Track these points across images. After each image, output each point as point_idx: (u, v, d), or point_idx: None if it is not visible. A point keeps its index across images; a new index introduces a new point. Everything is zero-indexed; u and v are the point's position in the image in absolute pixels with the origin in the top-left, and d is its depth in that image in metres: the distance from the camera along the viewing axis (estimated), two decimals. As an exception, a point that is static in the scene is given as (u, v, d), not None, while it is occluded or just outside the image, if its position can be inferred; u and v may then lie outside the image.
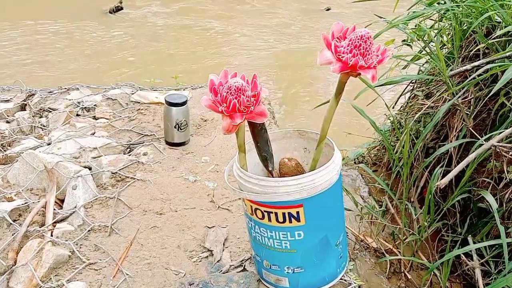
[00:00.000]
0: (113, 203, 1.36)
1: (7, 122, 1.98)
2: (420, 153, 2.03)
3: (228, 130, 0.86)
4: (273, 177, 1.04)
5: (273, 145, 1.16)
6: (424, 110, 1.97)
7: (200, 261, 1.18)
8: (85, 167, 1.55)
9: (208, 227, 1.29)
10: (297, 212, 0.95)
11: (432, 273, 1.52)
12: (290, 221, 0.96)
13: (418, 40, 1.93)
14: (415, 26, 1.96)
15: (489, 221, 1.61)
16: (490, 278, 1.49)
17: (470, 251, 1.51)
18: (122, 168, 1.51)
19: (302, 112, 3.45)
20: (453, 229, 1.81)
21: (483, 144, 1.48)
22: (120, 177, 1.48)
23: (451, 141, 1.78)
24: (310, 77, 4.07)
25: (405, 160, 1.76)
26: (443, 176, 1.70)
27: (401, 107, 2.29)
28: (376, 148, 2.48)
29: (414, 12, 1.91)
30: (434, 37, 1.97)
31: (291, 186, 0.93)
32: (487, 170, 1.69)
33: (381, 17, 2.07)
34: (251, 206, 0.99)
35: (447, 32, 1.98)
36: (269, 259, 1.04)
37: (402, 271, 1.61)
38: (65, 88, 2.16)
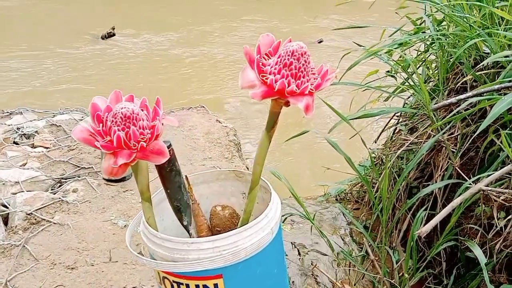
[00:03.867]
0: (17, 252, 1.11)
1: None
2: (402, 193, 1.86)
3: (110, 173, 0.62)
4: (189, 234, 0.80)
5: (205, 188, 0.93)
6: (407, 146, 1.79)
7: (107, 336, 0.93)
8: (3, 204, 1.31)
9: (127, 288, 1.04)
10: (215, 285, 0.71)
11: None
12: (207, 296, 0.72)
13: (402, 71, 1.76)
14: (400, 56, 1.81)
15: (478, 273, 1.43)
16: None
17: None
18: (39, 208, 1.26)
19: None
20: (439, 279, 1.63)
21: (470, 187, 1.30)
22: (35, 219, 1.23)
23: (436, 181, 1.63)
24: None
25: (384, 203, 1.56)
26: (427, 220, 1.52)
27: (386, 141, 2.13)
28: (359, 184, 2.30)
29: (394, 40, 1.75)
30: (418, 67, 1.80)
31: (204, 250, 0.69)
32: (475, 215, 1.53)
33: (360, 45, 1.91)
34: (159, 273, 0.75)
35: (433, 65, 1.82)
36: None
37: (384, 327, 1.39)
38: (8, 112, 1.94)
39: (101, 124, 0.63)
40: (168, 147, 0.70)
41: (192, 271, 0.68)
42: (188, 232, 0.79)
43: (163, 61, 4.71)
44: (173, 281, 0.73)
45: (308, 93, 0.60)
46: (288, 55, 0.60)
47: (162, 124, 0.65)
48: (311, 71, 0.62)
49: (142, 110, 0.65)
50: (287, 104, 0.62)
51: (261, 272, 0.74)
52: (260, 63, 0.61)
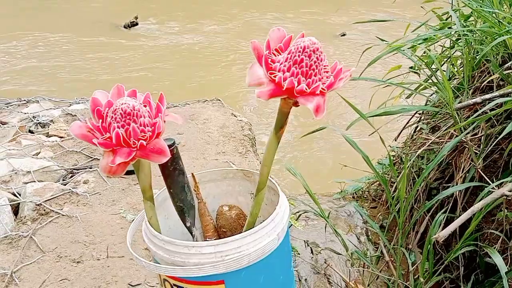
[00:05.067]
0: (24, 243, 1.10)
1: (-47, 134, 1.76)
2: (421, 194, 1.81)
3: (109, 172, 0.59)
4: (192, 235, 0.77)
5: (213, 187, 0.90)
6: (428, 145, 1.73)
7: (109, 334, 0.91)
8: (14, 194, 1.31)
9: (132, 285, 1.02)
10: (217, 290, 0.68)
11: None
12: (208, 302, 0.69)
13: (426, 68, 1.70)
14: (424, 52, 1.74)
15: (498, 281, 1.38)
16: None
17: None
18: (49, 199, 1.25)
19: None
20: (456, 283, 1.57)
21: (492, 191, 1.25)
22: (44, 210, 1.22)
23: (456, 183, 1.58)
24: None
25: (401, 204, 1.51)
26: (446, 223, 1.48)
27: (406, 139, 2.07)
28: (377, 182, 2.25)
29: (418, 35, 1.68)
30: (442, 64, 1.73)
31: (205, 255, 0.65)
32: (497, 220, 1.47)
33: (383, 40, 1.85)
34: (160, 275, 0.72)
35: (458, 62, 1.75)
36: None
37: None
38: (24, 100, 1.95)
39: (100, 120, 0.60)
40: (171, 145, 0.66)
41: (192, 276, 0.65)
42: (191, 233, 0.76)
43: (181, 50, 4.67)
44: (174, 284, 0.70)
45: (320, 93, 0.56)
46: (299, 52, 0.55)
47: (165, 121, 0.62)
48: (324, 69, 0.58)
49: (145, 106, 0.62)
50: (296, 104, 0.58)
51: (266, 279, 0.71)
52: (269, 60, 0.57)
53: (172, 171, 0.70)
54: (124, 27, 5.33)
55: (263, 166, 0.70)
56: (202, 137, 1.71)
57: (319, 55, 0.56)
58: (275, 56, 0.59)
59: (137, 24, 5.41)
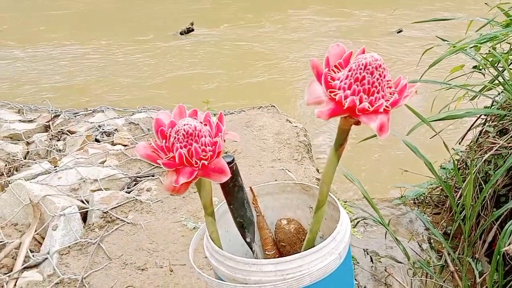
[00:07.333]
0: (93, 250, 1.16)
1: (27, 143, 1.90)
2: (489, 201, 1.71)
3: (173, 190, 0.61)
4: (252, 251, 0.77)
5: (271, 200, 0.90)
6: (496, 149, 1.64)
7: None
8: (82, 201, 1.38)
9: (193, 293, 1.04)
10: (277, 308, 0.68)
11: None
12: (268, 318, 0.69)
13: (491, 67, 1.61)
14: (489, 51, 1.65)
15: None
16: None
17: None
18: (114, 207, 1.31)
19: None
20: (529, 297, 1.48)
21: None
22: (110, 217, 1.28)
23: None
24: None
25: (467, 211, 1.44)
26: None
27: (471, 142, 1.97)
28: (439, 188, 2.16)
29: (481, 34, 1.60)
30: (510, 64, 1.62)
31: (266, 273, 0.65)
32: None
33: (444, 40, 1.77)
34: (220, 289, 0.73)
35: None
36: None
37: None
38: (91, 110, 2.05)
39: (164, 140, 0.62)
40: (230, 162, 0.67)
41: (253, 293, 0.66)
42: (251, 249, 0.76)
43: (250, 58, 4.68)
44: (235, 300, 0.71)
45: (383, 111, 0.54)
46: (361, 69, 0.54)
47: (225, 140, 0.63)
48: (387, 84, 0.56)
49: (205, 125, 0.63)
50: (358, 123, 0.56)
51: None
52: (329, 77, 0.56)
53: (232, 188, 0.71)
54: (180, 33, 5.44)
55: (322, 184, 0.69)
56: (257, 144, 1.72)
57: (382, 72, 0.54)
58: (335, 73, 0.58)
59: (192, 30, 5.51)
